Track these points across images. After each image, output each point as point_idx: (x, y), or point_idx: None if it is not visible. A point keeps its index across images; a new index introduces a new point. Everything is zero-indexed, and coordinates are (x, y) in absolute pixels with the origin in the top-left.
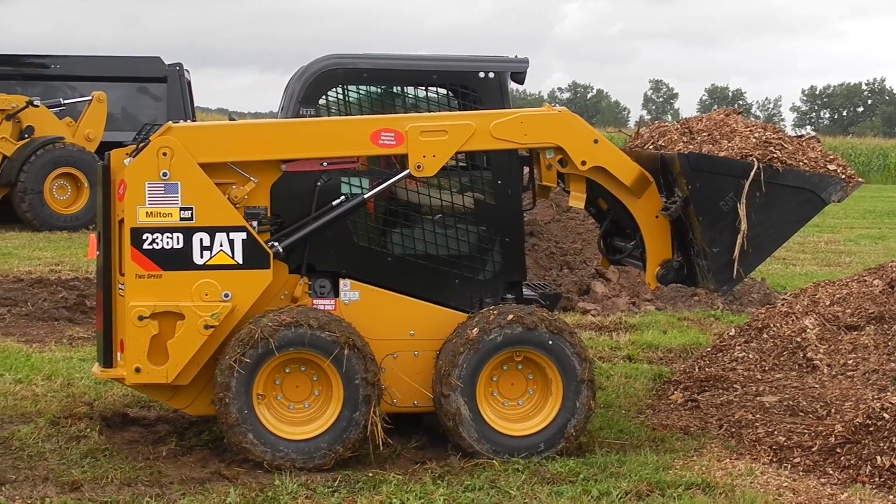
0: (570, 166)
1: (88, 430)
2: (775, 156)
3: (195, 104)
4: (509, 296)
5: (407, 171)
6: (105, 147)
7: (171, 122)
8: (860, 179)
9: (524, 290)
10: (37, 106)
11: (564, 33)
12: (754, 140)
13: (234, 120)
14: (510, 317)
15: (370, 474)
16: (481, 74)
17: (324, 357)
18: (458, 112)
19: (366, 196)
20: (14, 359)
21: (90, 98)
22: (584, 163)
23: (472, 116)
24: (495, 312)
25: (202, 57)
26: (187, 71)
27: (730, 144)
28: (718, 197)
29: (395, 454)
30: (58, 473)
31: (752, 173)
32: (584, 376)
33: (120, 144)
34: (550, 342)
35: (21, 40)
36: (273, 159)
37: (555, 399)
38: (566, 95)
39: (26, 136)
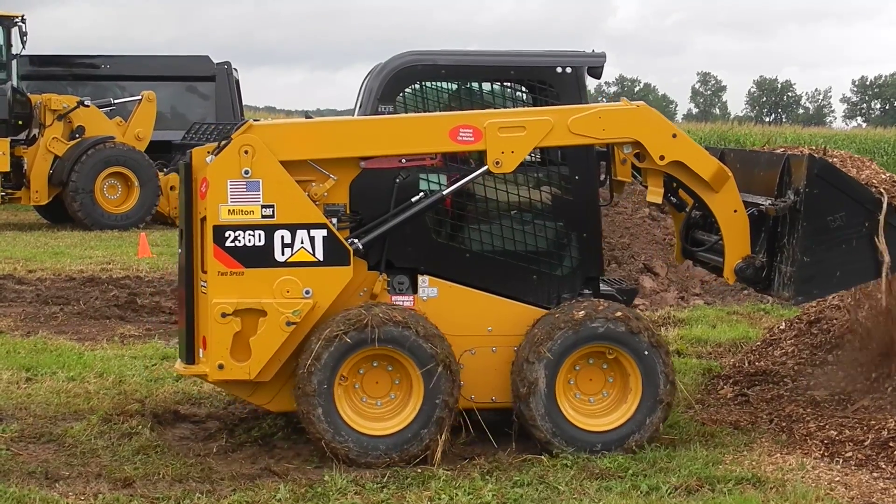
0: (647, 161)
1: (140, 426)
2: None
3: (244, 102)
4: (586, 291)
5: (485, 168)
6: (154, 146)
7: (251, 120)
8: None
9: (601, 285)
10: (87, 106)
11: (616, 26)
12: (885, 177)
13: (310, 118)
14: (619, 314)
15: (419, 470)
16: (559, 70)
17: (417, 366)
18: (536, 108)
19: (445, 192)
20: (67, 357)
21: (140, 97)
22: (662, 157)
23: (550, 112)
24: (605, 304)
25: (255, 55)
26: (235, 69)
27: (858, 173)
28: (830, 211)
29: (444, 450)
30: (110, 470)
31: (886, 204)
32: (664, 398)
33: (169, 143)
34: (646, 352)
35: (78, 42)
36: (352, 156)
37: (628, 408)
38: (613, 89)
39: (77, 135)
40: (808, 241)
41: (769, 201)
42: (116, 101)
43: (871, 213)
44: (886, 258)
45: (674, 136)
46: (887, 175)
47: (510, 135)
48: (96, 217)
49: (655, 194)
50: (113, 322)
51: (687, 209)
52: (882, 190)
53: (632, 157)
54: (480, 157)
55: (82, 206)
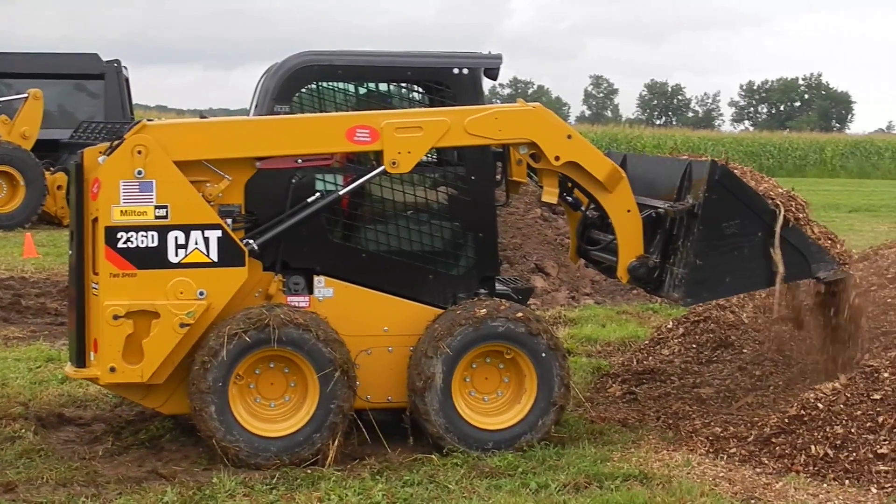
0: (543, 161)
1: (23, 430)
2: (791, 212)
3: (134, 101)
4: (482, 291)
5: (382, 168)
6: (41, 145)
7: (145, 120)
8: (850, 272)
9: (496, 284)
10: None
11: (512, 29)
12: (781, 191)
13: (205, 118)
14: (520, 314)
15: (309, 471)
16: (455, 71)
17: (315, 370)
18: (432, 108)
19: (341, 193)
20: None
21: (26, 95)
22: (557, 158)
23: (446, 113)
24: (507, 305)
25: (147, 54)
26: (125, 68)
27: (757, 186)
28: (726, 217)
29: (335, 455)
30: None
31: (782, 217)
32: (558, 400)
33: (56, 142)
34: (543, 355)
35: None
36: (248, 157)
37: (521, 409)
38: (506, 91)
39: None
40: (702, 244)
41: (668, 204)
42: (2, 99)
43: (766, 223)
44: (780, 269)
45: (569, 136)
46: (784, 190)
47: (407, 135)
48: None
49: (551, 195)
50: None
51: (582, 208)
52: (779, 203)
53: (527, 158)
54: (377, 157)
55: None
